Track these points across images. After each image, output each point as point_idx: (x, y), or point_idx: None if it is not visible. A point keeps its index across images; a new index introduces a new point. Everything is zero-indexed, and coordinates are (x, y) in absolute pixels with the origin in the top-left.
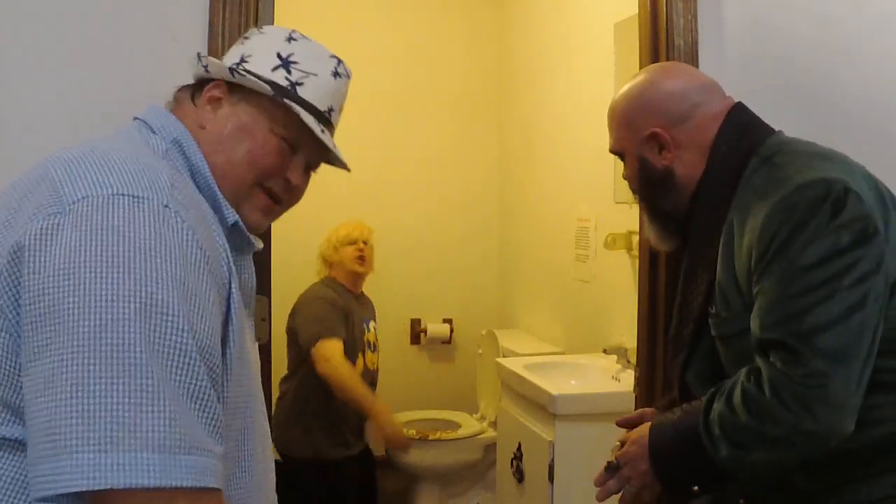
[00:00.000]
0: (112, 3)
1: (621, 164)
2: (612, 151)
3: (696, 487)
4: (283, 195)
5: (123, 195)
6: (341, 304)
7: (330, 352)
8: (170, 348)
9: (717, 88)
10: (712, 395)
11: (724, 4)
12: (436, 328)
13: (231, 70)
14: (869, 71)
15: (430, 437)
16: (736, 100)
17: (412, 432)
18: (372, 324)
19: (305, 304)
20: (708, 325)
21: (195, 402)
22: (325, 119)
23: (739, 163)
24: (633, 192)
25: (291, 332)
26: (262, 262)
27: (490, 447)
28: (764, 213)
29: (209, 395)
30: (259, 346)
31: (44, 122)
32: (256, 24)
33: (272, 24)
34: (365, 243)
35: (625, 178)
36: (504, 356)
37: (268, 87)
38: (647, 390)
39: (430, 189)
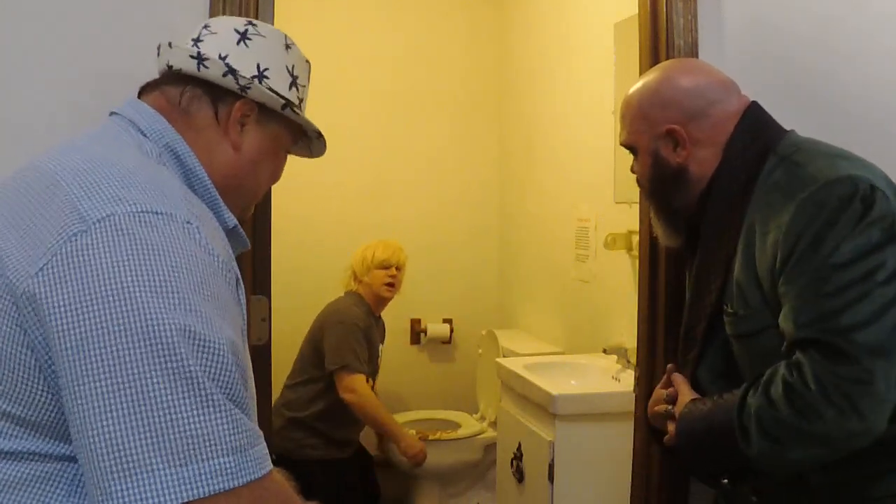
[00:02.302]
0: (112, 3)
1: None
2: (624, 145)
3: (725, 480)
4: None
5: (148, 212)
6: (366, 329)
7: (354, 384)
8: (214, 361)
9: (733, 86)
10: (746, 389)
11: (724, 4)
12: (436, 328)
13: (285, 105)
14: (869, 71)
15: (430, 437)
16: None
17: (412, 432)
18: (381, 347)
19: (337, 324)
20: (720, 323)
21: (237, 404)
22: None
23: (755, 161)
24: (642, 187)
25: (314, 346)
26: (262, 262)
27: (490, 447)
28: (791, 211)
29: (245, 396)
30: (259, 346)
31: (43, 122)
32: None
33: (272, 24)
34: (398, 269)
35: (633, 173)
36: (504, 356)
37: (315, 127)
38: (647, 390)
39: (429, 189)
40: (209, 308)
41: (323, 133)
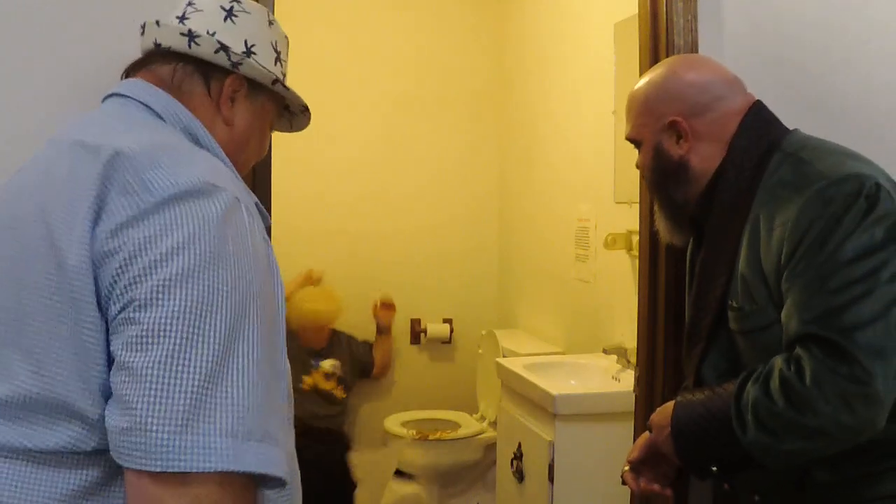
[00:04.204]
0: (111, 4)
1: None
2: (629, 139)
3: (714, 468)
4: None
5: (212, 189)
6: None
7: None
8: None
9: (739, 84)
10: (745, 378)
11: (724, 4)
12: (436, 328)
13: (275, 80)
14: (868, 71)
15: (430, 437)
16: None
17: (412, 432)
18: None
19: None
20: (725, 318)
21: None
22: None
23: (761, 158)
24: (645, 180)
25: None
26: None
27: (490, 447)
28: (797, 207)
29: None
30: None
31: (47, 113)
32: None
33: None
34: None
35: (637, 167)
36: (504, 356)
37: (303, 101)
38: (647, 390)
39: (429, 189)
40: (261, 282)
41: (309, 107)
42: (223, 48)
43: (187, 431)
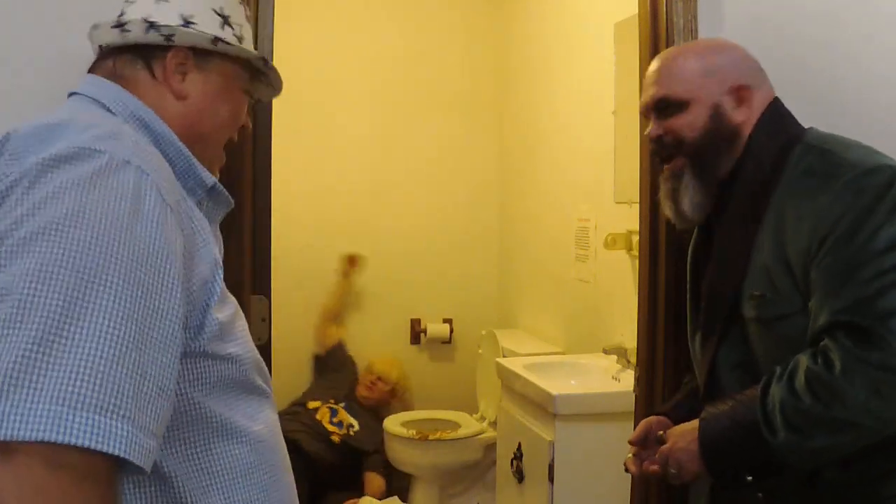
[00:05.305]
0: (112, 4)
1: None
2: (671, 97)
3: (749, 478)
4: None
5: (93, 150)
6: None
7: None
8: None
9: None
10: (767, 381)
11: (724, 4)
12: (436, 328)
13: (214, 40)
14: (871, 70)
15: (430, 437)
16: None
17: (412, 432)
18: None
19: None
20: (739, 309)
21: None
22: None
23: (781, 150)
24: (683, 146)
25: None
26: (263, 263)
27: (490, 447)
28: (828, 197)
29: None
30: (259, 346)
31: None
32: (256, 22)
33: (272, 23)
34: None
35: (652, 137)
36: (504, 356)
37: (255, 53)
38: (647, 390)
39: (430, 189)
40: (129, 250)
41: (273, 64)
42: (152, 26)
43: (6, 396)
